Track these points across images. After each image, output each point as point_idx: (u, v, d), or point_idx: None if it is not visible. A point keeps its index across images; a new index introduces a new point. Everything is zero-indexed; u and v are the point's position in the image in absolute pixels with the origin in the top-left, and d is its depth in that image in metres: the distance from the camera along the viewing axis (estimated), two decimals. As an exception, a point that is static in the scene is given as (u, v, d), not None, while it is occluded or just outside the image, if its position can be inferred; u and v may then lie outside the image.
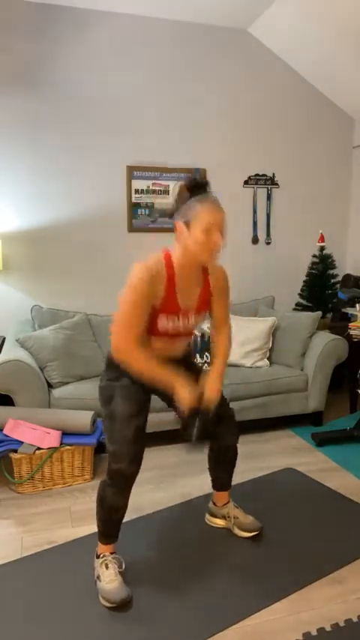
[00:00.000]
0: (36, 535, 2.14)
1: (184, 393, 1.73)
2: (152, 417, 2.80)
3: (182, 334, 1.84)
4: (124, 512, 1.82)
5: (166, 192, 3.72)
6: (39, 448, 2.49)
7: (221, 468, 2.09)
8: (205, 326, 3.29)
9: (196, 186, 1.68)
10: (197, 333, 3.29)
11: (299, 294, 4.12)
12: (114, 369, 1.82)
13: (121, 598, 1.69)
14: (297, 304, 4.10)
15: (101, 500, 1.79)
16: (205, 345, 3.29)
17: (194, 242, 1.65)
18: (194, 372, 1.96)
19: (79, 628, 1.62)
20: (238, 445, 3.02)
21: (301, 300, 4.11)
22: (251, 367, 3.30)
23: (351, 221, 4.32)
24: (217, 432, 1.98)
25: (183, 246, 1.69)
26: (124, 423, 1.73)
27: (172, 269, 1.72)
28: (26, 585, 1.83)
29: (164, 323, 1.75)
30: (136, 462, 1.75)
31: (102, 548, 1.84)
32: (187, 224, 1.65)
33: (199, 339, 3.30)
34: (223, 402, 1.96)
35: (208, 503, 2.22)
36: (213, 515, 2.19)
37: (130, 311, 1.66)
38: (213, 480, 2.14)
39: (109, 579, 1.75)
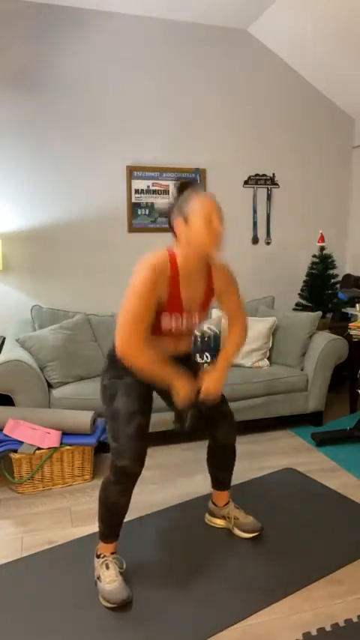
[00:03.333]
0: (36, 535, 2.14)
1: (180, 387, 1.75)
2: (153, 417, 2.79)
3: (185, 333, 1.84)
4: (126, 511, 1.81)
5: (166, 192, 3.72)
6: (39, 448, 2.49)
7: (220, 467, 2.09)
8: (206, 326, 3.29)
9: (188, 183, 1.75)
10: (197, 332, 3.28)
11: (299, 294, 4.12)
12: (116, 367, 1.80)
13: (122, 599, 1.69)
14: (297, 304, 4.10)
15: (104, 499, 1.78)
16: (206, 345, 3.29)
17: (195, 233, 1.67)
18: (196, 371, 1.96)
19: (79, 628, 1.62)
20: (239, 445, 3.02)
21: (301, 300, 4.11)
22: (251, 367, 3.30)
23: (351, 221, 4.32)
24: (214, 430, 1.99)
25: (184, 241, 1.71)
26: (126, 420, 1.73)
27: (176, 267, 1.73)
28: (26, 585, 1.83)
29: (168, 321, 1.75)
30: (139, 460, 1.75)
31: (103, 548, 1.84)
32: (185, 218, 1.68)
33: (199, 339, 3.29)
34: (222, 400, 1.97)
35: (208, 503, 2.22)
36: (213, 515, 2.19)
37: (136, 304, 1.65)
38: (212, 479, 2.14)
39: (109, 579, 1.74)
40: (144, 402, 1.81)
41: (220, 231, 1.68)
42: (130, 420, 1.74)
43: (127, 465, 1.72)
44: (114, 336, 1.72)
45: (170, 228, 1.77)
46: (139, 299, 1.65)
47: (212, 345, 3.27)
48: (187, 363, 1.93)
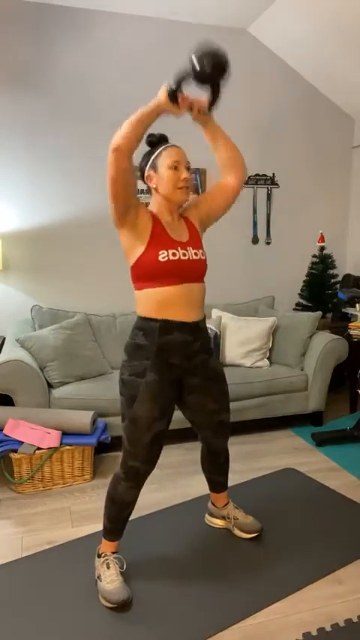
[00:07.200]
0: (36, 535, 2.14)
1: (160, 93, 1.63)
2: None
3: (192, 274, 1.75)
4: (133, 508, 1.81)
5: (166, 192, 3.71)
6: (39, 448, 2.49)
7: (214, 471, 2.09)
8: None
9: (158, 140, 1.78)
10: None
11: (299, 294, 4.12)
12: (137, 359, 1.72)
13: (122, 599, 1.69)
14: (297, 304, 4.10)
15: (112, 494, 1.78)
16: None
17: (164, 182, 1.73)
18: (212, 362, 1.88)
19: (79, 628, 1.62)
20: (239, 445, 3.04)
21: (301, 300, 4.11)
22: (251, 367, 3.30)
23: (351, 221, 4.32)
24: (207, 437, 1.98)
25: (157, 192, 1.77)
26: (144, 428, 1.70)
27: (156, 216, 1.77)
28: (26, 585, 1.83)
29: (165, 255, 1.69)
30: (150, 463, 1.75)
31: (105, 547, 1.84)
32: (155, 169, 1.74)
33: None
34: (224, 408, 1.93)
35: (208, 503, 2.22)
36: (213, 515, 2.19)
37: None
38: (209, 483, 2.14)
39: (110, 579, 1.74)
40: (165, 407, 1.74)
41: (187, 179, 1.73)
42: (149, 428, 1.70)
43: (137, 465, 1.73)
44: (131, 330, 1.77)
45: (147, 186, 1.81)
46: None
47: (212, 344, 3.27)
48: (204, 351, 1.84)
